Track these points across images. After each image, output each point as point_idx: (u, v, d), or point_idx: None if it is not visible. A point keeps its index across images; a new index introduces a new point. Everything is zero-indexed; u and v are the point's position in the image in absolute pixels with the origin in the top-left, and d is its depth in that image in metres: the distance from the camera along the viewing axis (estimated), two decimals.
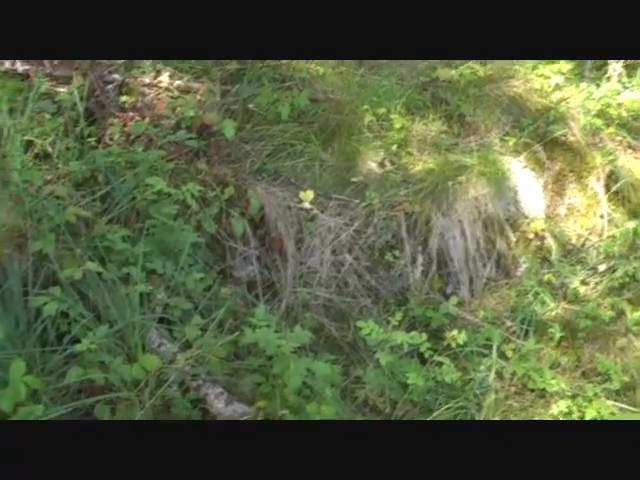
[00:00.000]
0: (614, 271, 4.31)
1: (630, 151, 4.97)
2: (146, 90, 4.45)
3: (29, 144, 3.90)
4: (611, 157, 4.83)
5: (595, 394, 3.54)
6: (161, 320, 3.32)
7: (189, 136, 3.98)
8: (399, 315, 3.81)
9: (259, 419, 2.99)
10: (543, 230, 4.56)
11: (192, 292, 3.44)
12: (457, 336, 3.65)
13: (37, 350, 3.05)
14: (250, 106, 4.60)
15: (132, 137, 4.10)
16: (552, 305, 4.13)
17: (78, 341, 3.07)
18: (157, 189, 3.53)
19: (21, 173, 3.59)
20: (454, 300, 4.12)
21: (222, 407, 3.07)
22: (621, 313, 4.03)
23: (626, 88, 5.13)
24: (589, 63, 5.35)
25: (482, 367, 3.55)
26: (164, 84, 4.54)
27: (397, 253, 4.22)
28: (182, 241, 3.48)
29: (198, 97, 4.49)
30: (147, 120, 4.19)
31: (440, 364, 3.51)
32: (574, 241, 4.65)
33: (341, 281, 4.08)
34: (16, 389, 2.84)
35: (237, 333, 3.26)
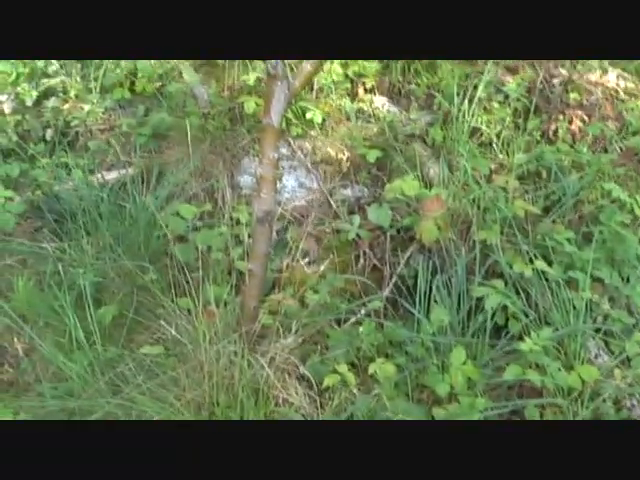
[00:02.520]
0: None
1: None
2: (592, 89, 4.26)
3: (474, 131, 3.88)
4: None
5: None
6: (597, 330, 3.13)
7: None
8: None
9: None
10: None
11: (635, 306, 3.22)
12: None
13: (475, 341, 3.00)
14: None
15: (577, 135, 3.95)
16: None
17: (513, 337, 3.01)
18: (615, 196, 3.34)
19: (468, 160, 3.57)
20: None
21: None
22: None
23: None
24: None
25: None
26: (610, 84, 4.32)
27: None
28: (630, 252, 3.26)
29: None
30: (593, 120, 4.02)
31: None
32: None
33: None
34: (454, 376, 2.82)
35: None
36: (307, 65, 2.59)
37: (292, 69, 3.72)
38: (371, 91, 4.08)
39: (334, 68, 3.99)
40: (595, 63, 4.41)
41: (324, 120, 3.87)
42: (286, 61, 2.75)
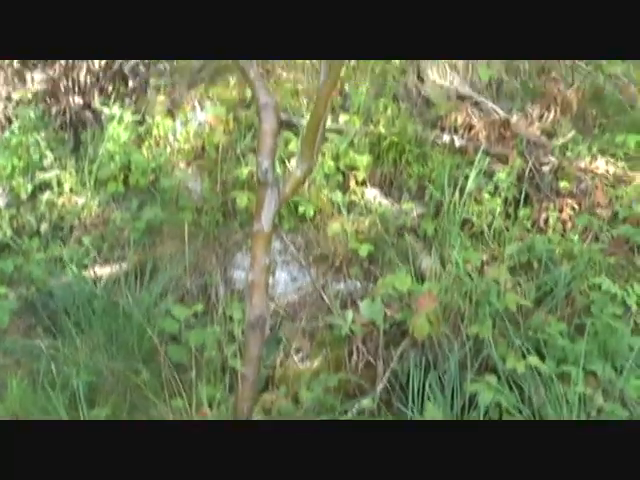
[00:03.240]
0: None
1: None
2: (582, 175, 4.30)
3: (465, 222, 3.91)
4: None
5: None
6: None
7: (636, 231, 3.76)
8: None
9: None
10: None
11: (629, 400, 3.20)
12: None
13: None
14: None
15: (568, 224, 3.98)
16: None
17: None
18: (604, 289, 3.35)
19: (460, 252, 3.59)
20: None
21: None
22: None
23: None
24: None
25: None
26: (600, 171, 4.36)
27: None
28: (623, 344, 3.26)
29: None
30: (583, 208, 4.06)
31: None
32: None
33: None
34: None
35: None
36: (297, 171, 2.62)
37: (284, 167, 3.79)
38: (363, 183, 4.11)
39: (326, 161, 4.03)
40: (584, 149, 4.46)
41: (316, 214, 3.90)
42: (277, 164, 2.79)
